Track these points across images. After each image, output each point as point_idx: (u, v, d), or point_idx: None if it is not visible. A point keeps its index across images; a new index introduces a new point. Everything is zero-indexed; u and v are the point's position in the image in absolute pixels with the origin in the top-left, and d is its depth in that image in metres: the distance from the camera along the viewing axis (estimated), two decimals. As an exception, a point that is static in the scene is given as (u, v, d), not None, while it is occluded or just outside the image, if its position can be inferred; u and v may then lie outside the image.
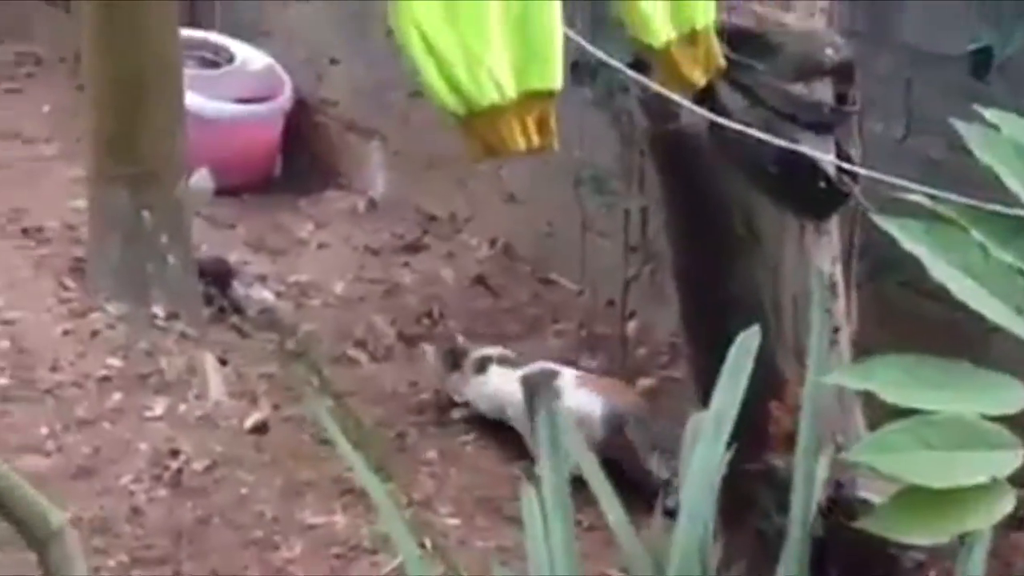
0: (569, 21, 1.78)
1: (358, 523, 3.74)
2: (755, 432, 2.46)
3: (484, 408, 4.22)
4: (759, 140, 2.22)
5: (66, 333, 4.48)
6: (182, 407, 4.19)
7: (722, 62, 2.09)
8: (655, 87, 2.08)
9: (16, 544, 2.90)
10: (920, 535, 1.94)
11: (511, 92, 1.72)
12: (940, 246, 1.96)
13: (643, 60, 2.11)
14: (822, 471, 2.29)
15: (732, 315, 2.49)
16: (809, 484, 2.21)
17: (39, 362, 4.33)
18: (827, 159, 2.46)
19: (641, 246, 4.41)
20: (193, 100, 5.07)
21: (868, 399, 2.33)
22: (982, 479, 1.89)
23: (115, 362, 4.35)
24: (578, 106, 4.00)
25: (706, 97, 2.26)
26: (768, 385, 2.48)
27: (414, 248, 5.33)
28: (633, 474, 3.58)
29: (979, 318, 1.98)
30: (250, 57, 5.96)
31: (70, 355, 4.37)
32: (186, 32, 5.41)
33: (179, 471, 3.91)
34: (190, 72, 5.25)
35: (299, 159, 5.89)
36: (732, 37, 2.24)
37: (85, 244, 4.85)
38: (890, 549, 2.44)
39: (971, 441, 1.91)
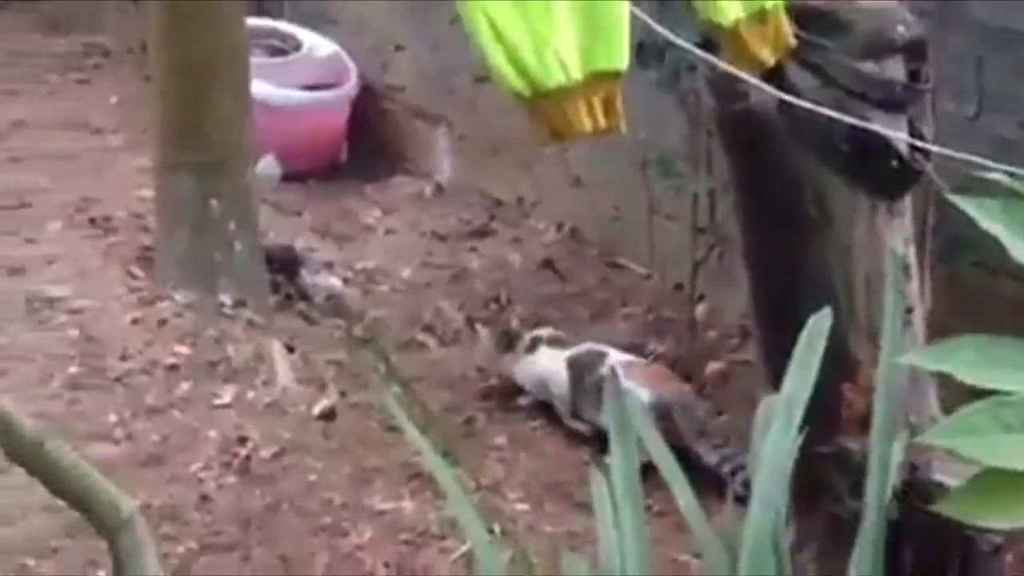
0: (635, 1, 1.76)
1: (426, 509, 3.74)
2: (827, 415, 2.43)
3: (529, 387, 4.22)
4: (830, 119, 2.19)
5: (135, 322, 4.50)
6: (250, 394, 4.20)
7: (791, 41, 2.07)
8: (723, 66, 2.06)
9: (87, 532, 2.92)
10: (999, 519, 1.90)
11: (577, 73, 1.71)
12: (1018, 224, 1.92)
13: (711, 40, 2.09)
14: (897, 454, 2.26)
15: (803, 297, 2.47)
16: (884, 467, 2.19)
17: (108, 351, 4.36)
18: (900, 137, 2.42)
19: (709, 228, 4.38)
20: (260, 88, 5.10)
21: (943, 380, 2.30)
22: (1063, 461, 1.85)
23: (183, 350, 4.37)
24: (644, 87, 3.97)
25: (775, 76, 2.23)
26: (841, 367, 2.45)
27: (481, 233, 5.32)
28: (681, 461, 3.57)
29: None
30: (317, 45, 5.99)
31: (139, 343, 4.39)
32: (253, 21, 5.46)
33: (247, 458, 3.92)
34: (257, 60, 5.28)
35: (365, 145, 5.91)
36: (801, 15, 2.21)
37: (152, 233, 4.87)
38: (966, 532, 2.41)
39: (1051, 422, 1.88)
